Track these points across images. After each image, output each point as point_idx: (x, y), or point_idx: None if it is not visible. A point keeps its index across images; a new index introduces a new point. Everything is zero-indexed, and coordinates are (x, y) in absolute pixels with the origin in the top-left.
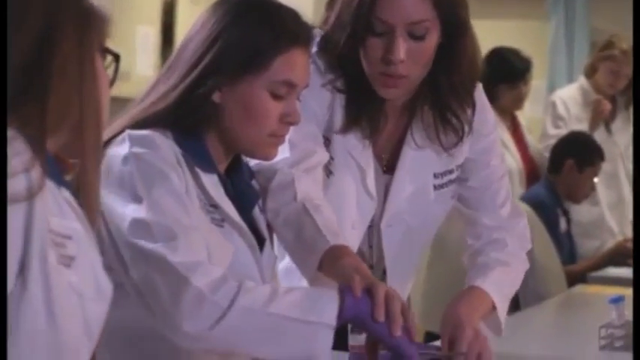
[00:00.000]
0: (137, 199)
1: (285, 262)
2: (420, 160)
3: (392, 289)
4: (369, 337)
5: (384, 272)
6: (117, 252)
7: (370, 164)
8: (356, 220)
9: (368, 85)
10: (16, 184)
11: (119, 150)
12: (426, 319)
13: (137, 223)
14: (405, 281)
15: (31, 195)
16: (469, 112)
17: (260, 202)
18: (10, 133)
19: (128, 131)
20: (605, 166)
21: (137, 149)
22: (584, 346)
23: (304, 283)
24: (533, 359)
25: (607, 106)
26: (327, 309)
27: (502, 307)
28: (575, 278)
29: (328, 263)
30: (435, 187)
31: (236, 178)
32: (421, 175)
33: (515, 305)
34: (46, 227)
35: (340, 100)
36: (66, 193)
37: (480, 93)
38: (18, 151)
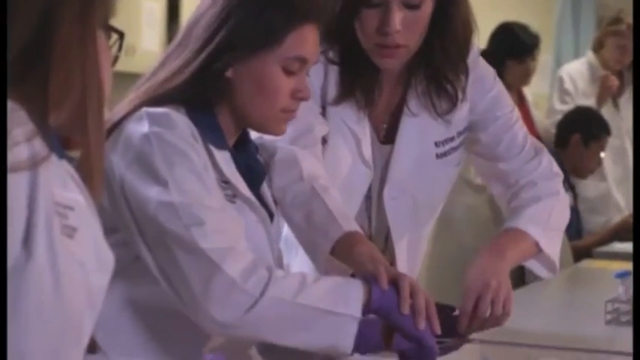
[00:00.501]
0: (160, 181)
1: (283, 233)
2: (419, 129)
3: (415, 281)
4: (386, 324)
5: (385, 243)
6: (140, 230)
7: (366, 133)
8: (351, 189)
9: (362, 55)
10: (18, 154)
11: (138, 128)
12: (431, 292)
13: (164, 207)
14: (414, 254)
15: (34, 164)
16: (462, 78)
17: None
18: (12, 105)
19: (145, 109)
20: (613, 142)
21: (156, 128)
22: (590, 321)
23: (301, 253)
24: (539, 334)
25: (614, 82)
26: (354, 301)
27: (547, 241)
28: (581, 253)
29: (342, 250)
30: (438, 156)
31: (244, 153)
32: (422, 145)
33: (521, 280)
34: (51, 196)
35: (333, 71)
36: (67, 166)
37: (474, 57)
38: (20, 122)
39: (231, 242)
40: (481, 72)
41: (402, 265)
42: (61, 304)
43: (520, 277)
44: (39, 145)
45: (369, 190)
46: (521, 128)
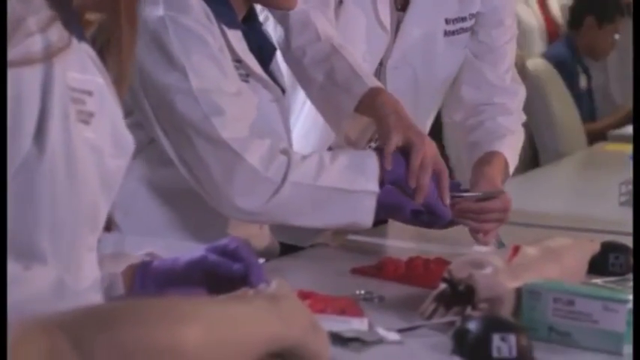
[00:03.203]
0: (178, 68)
1: None
2: (432, 0)
3: (427, 152)
4: None
5: None
6: (156, 116)
7: None
8: (367, 52)
9: None
10: (32, 45)
11: (153, 11)
12: None
13: (182, 94)
14: None
15: (48, 56)
16: None
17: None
18: None
19: None
20: (627, 25)
21: (172, 12)
22: (604, 202)
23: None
24: (553, 216)
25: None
26: (371, 176)
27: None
28: (595, 136)
29: (366, 105)
30: (446, 33)
31: (253, 31)
32: (432, 17)
33: (535, 162)
34: (67, 85)
35: None
36: (87, 48)
37: None
38: (34, 10)
39: (249, 129)
40: None
41: None
42: (76, 196)
43: (533, 158)
44: (56, 33)
45: (381, 58)
46: (513, 49)
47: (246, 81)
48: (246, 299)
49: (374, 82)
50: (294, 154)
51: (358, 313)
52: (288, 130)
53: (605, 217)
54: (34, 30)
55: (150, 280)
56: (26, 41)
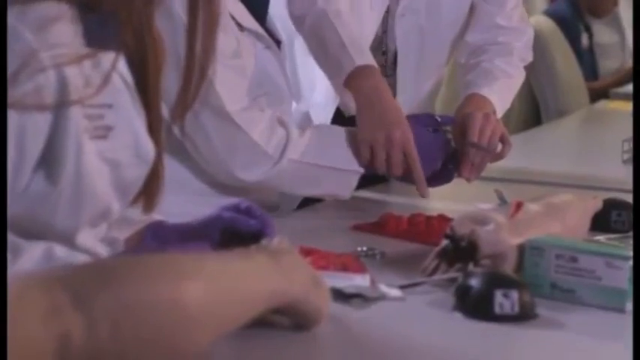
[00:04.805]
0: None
1: None
2: None
3: (399, 145)
4: None
5: (395, 60)
6: None
7: None
8: (374, 1)
9: None
10: (43, 82)
11: None
12: None
13: None
14: (417, 79)
15: (63, 103)
16: None
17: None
18: (57, 8)
19: None
20: None
21: None
22: (606, 159)
23: None
24: (556, 173)
25: None
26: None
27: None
28: (597, 94)
29: (352, 83)
30: None
31: None
32: None
33: (537, 120)
34: (82, 114)
35: None
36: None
37: None
38: (51, 45)
39: (247, 93)
40: None
41: (403, 91)
42: (80, 209)
43: (535, 116)
44: (82, 76)
45: (389, 5)
46: None
47: (241, 30)
48: (247, 255)
49: (363, 59)
50: (292, 128)
51: (360, 270)
52: (287, 79)
53: (608, 174)
54: (48, 65)
55: (160, 239)
56: (37, 77)
